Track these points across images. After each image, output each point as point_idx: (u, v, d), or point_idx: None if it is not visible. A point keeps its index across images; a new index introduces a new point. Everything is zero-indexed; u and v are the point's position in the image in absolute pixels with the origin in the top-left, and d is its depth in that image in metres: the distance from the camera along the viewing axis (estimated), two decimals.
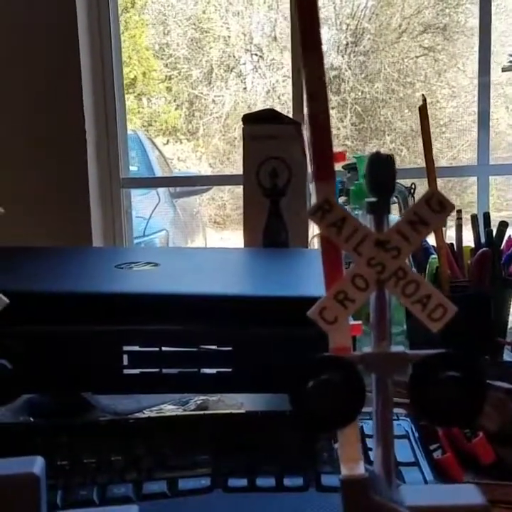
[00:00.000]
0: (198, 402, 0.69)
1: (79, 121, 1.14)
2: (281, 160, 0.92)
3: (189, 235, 3.76)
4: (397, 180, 1.13)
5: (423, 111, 0.65)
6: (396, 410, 0.67)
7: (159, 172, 3.74)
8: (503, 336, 0.83)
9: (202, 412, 0.65)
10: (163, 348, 0.60)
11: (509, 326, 0.86)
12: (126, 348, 0.60)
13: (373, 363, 0.33)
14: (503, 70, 0.91)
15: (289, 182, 0.92)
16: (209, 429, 0.58)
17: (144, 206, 3.40)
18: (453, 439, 0.58)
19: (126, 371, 0.60)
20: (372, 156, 0.33)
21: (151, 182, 1.56)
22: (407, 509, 0.32)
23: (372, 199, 0.33)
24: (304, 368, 0.33)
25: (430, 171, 0.68)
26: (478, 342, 0.73)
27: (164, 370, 0.61)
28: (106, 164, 1.23)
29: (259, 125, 0.92)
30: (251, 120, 0.93)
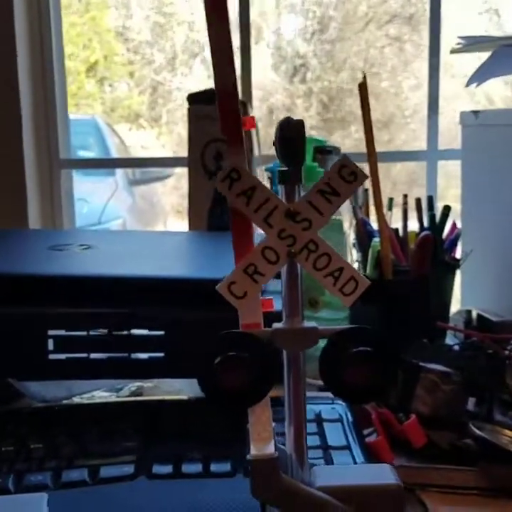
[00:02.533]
0: (132, 388, 0.67)
1: (12, 100, 1.10)
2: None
3: (148, 223, 3.71)
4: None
5: (363, 89, 0.63)
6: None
7: None
8: (446, 319, 0.83)
9: (129, 399, 0.63)
10: (91, 332, 0.58)
11: (452, 310, 0.86)
12: (51, 332, 0.57)
13: (283, 338, 0.31)
14: (452, 52, 0.91)
15: None
16: (136, 416, 0.56)
17: (101, 193, 3.34)
18: (386, 423, 0.57)
19: (51, 356, 0.57)
20: (282, 122, 0.31)
21: (93, 163, 1.53)
22: (317, 489, 0.31)
23: (283, 168, 0.32)
24: (212, 345, 0.31)
25: (370, 153, 0.67)
26: (417, 326, 0.73)
27: (92, 356, 0.58)
28: (44, 145, 1.19)
29: (204, 105, 0.90)
30: (196, 100, 0.91)
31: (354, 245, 0.88)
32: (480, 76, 0.87)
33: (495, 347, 0.63)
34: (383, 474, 0.33)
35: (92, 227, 2.98)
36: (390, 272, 0.76)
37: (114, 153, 3.74)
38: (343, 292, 0.31)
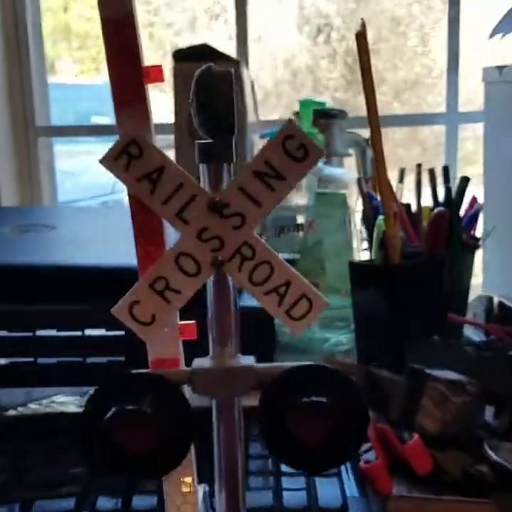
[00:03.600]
0: None
1: None
2: None
3: None
4: (357, 130, 1.01)
5: (361, 40, 0.53)
6: None
7: None
8: (463, 308, 0.73)
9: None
10: (38, 333, 0.50)
11: (471, 296, 0.76)
12: None
13: (207, 382, 0.22)
14: None
15: None
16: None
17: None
18: (386, 443, 0.48)
19: None
20: (201, 72, 0.21)
21: (72, 130, 1.44)
22: None
23: (205, 140, 0.22)
24: (106, 390, 0.22)
25: (372, 114, 0.57)
26: (430, 317, 0.63)
27: (40, 360, 0.50)
28: (19, 111, 1.10)
29: (191, 62, 0.79)
30: (182, 57, 0.81)
31: (361, 223, 0.78)
32: (505, 26, 0.75)
33: None
34: None
35: (105, 197, 2.91)
36: (396, 255, 0.66)
37: None
38: (291, 315, 0.22)
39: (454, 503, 0.44)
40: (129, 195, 0.22)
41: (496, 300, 0.71)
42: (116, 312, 0.22)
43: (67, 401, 0.58)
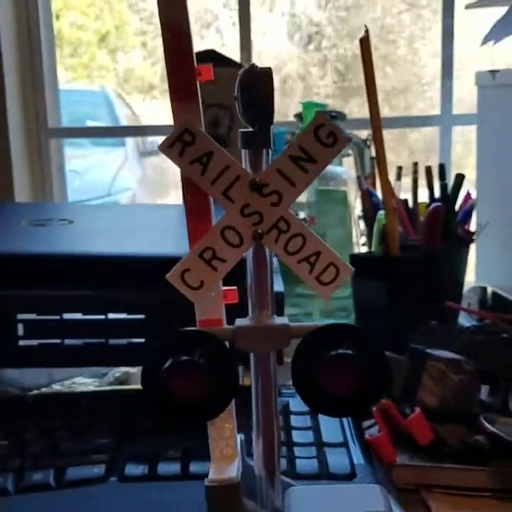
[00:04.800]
0: (117, 374, 0.63)
1: None
2: (222, 107, 0.83)
3: (158, 195, 3.66)
4: (354, 132, 1.04)
5: (365, 44, 0.56)
6: None
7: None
8: (459, 298, 0.77)
9: (106, 388, 0.58)
10: (65, 316, 0.53)
11: (465, 287, 0.79)
12: (21, 316, 0.52)
13: (248, 338, 0.26)
14: (467, 7, 0.83)
15: (231, 130, 0.83)
16: (113, 408, 0.51)
17: (110, 164, 3.29)
18: (388, 416, 0.51)
19: (22, 342, 0.52)
20: (246, 70, 0.25)
21: (83, 132, 1.47)
22: None
23: (248, 129, 0.26)
24: (162, 345, 0.26)
25: (374, 116, 0.60)
26: (427, 306, 0.67)
27: (66, 342, 0.53)
28: (32, 113, 1.13)
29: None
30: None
31: (360, 219, 0.82)
32: (497, 32, 0.79)
33: (510, 330, 0.57)
34: (371, 500, 0.27)
35: (101, 199, 2.93)
36: (396, 247, 0.70)
37: (124, 124, 3.68)
38: (321, 281, 0.26)
39: (453, 470, 0.48)
40: (182, 177, 0.26)
41: (489, 290, 0.75)
42: (170, 278, 0.26)
43: (87, 382, 0.62)
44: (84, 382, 0.62)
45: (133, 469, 0.45)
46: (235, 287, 0.27)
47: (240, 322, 0.26)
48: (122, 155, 3.48)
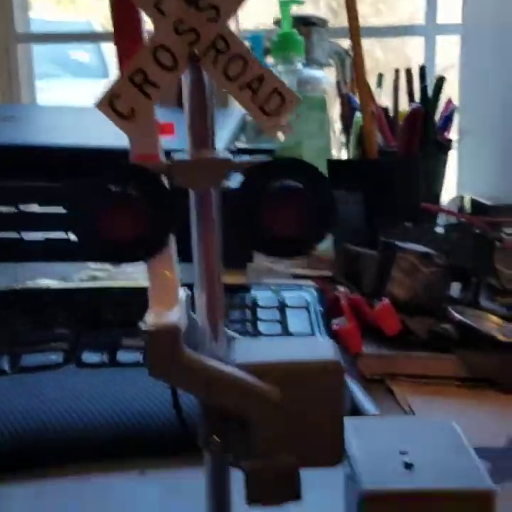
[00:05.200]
0: (83, 277, 0.61)
1: None
2: None
3: None
4: (337, 41, 1.00)
5: None
6: (303, 282, 0.60)
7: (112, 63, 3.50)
8: (436, 204, 0.75)
9: (69, 285, 0.56)
10: (22, 208, 0.51)
11: (447, 198, 0.78)
12: None
13: (185, 172, 0.24)
14: None
15: None
16: (75, 304, 0.50)
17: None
18: (357, 310, 0.50)
19: None
20: None
21: (52, 37, 1.43)
22: (236, 367, 0.25)
23: None
24: (93, 181, 0.24)
25: (352, 17, 0.57)
26: (404, 211, 0.65)
27: (25, 235, 0.52)
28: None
29: None
30: None
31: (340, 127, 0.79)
32: None
33: (483, 228, 0.55)
34: (320, 349, 0.26)
35: None
36: (373, 150, 0.67)
37: (108, 58, 3.57)
38: (265, 110, 0.23)
39: (420, 359, 0.47)
40: None
41: (467, 198, 0.73)
42: (99, 106, 0.23)
43: (50, 284, 0.60)
44: (47, 283, 0.60)
45: (91, 357, 0.43)
46: (171, 122, 0.25)
47: (177, 156, 0.24)
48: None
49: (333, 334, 0.48)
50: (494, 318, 0.49)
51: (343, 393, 0.25)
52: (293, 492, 0.25)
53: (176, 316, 0.24)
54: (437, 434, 0.27)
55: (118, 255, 0.24)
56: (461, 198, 0.74)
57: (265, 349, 0.26)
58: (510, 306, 0.53)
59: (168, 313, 0.25)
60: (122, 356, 0.44)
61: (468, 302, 0.52)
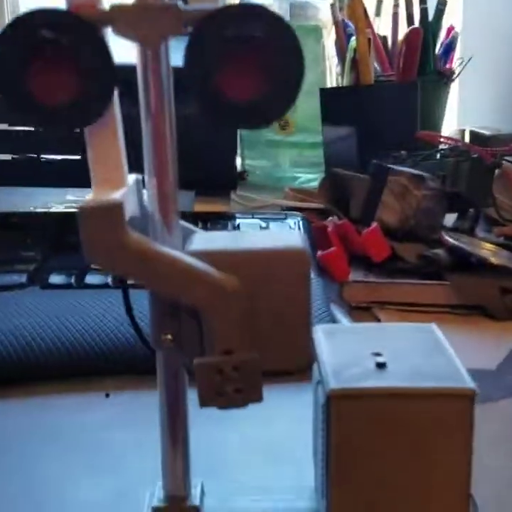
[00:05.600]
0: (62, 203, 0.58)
1: None
2: None
3: None
4: None
5: None
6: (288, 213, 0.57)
7: None
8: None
9: (38, 210, 0.53)
10: None
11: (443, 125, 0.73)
12: None
13: (128, 21, 0.20)
14: None
15: None
16: (43, 228, 0.47)
17: None
18: (346, 238, 0.47)
19: None
20: None
21: None
22: (188, 253, 0.22)
23: None
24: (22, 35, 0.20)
25: None
26: (400, 137, 0.61)
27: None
28: None
29: None
30: None
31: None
32: None
33: (482, 153, 0.52)
34: (286, 238, 0.23)
35: None
36: (368, 75, 0.63)
37: None
38: None
39: (409, 286, 0.44)
40: None
41: (468, 130, 0.69)
42: None
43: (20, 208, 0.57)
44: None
45: (58, 278, 0.41)
46: None
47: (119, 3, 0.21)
48: None
49: (318, 263, 0.45)
50: (489, 245, 0.46)
51: (309, 286, 0.22)
52: (254, 394, 0.22)
53: (120, 195, 0.21)
54: (415, 336, 0.25)
55: (48, 118, 0.21)
56: (462, 131, 0.70)
57: (226, 239, 0.23)
58: (507, 236, 0.50)
59: (112, 193, 0.22)
60: (91, 279, 0.41)
61: (463, 230, 0.49)
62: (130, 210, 0.22)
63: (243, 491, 0.26)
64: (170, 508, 0.25)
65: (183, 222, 0.24)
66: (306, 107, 0.71)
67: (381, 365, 0.22)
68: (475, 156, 0.51)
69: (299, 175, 0.76)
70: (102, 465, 0.29)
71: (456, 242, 0.43)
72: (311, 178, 0.74)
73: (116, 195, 0.21)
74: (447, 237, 0.44)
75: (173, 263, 0.21)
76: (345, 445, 0.22)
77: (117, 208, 0.21)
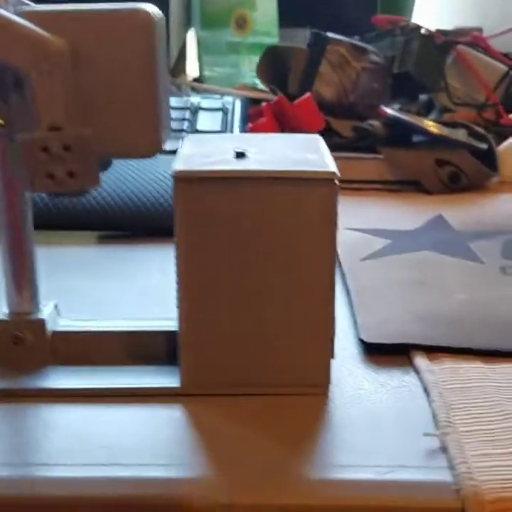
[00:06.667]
0: None
1: None
2: None
3: None
4: None
5: None
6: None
7: None
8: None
9: None
10: None
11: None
12: None
13: None
14: None
15: None
16: None
17: None
18: (279, 113, 0.44)
19: None
20: None
21: None
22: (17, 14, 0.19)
23: None
24: None
25: None
26: (355, 22, 0.57)
27: None
28: None
29: None
30: None
31: None
32: None
33: (434, 32, 0.48)
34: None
35: None
36: None
37: None
38: None
39: (343, 161, 0.41)
40: None
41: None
42: None
43: None
44: None
45: None
46: None
47: None
48: None
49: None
50: (431, 122, 0.42)
51: (154, 47, 0.19)
52: (89, 178, 0.19)
53: None
54: (293, 140, 0.22)
55: None
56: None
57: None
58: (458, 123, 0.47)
59: None
60: None
61: (407, 110, 0.45)
62: None
63: (105, 318, 0.24)
64: (11, 321, 0.22)
65: None
66: (265, 7, 0.67)
67: (241, 155, 0.20)
68: (425, 33, 0.47)
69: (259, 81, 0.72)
70: None
71: (395, 113, 0.40)
72: None
73: None
74: (386, 109, 0.41)
75: None
76: (192, 236, 0.19)
77: None
